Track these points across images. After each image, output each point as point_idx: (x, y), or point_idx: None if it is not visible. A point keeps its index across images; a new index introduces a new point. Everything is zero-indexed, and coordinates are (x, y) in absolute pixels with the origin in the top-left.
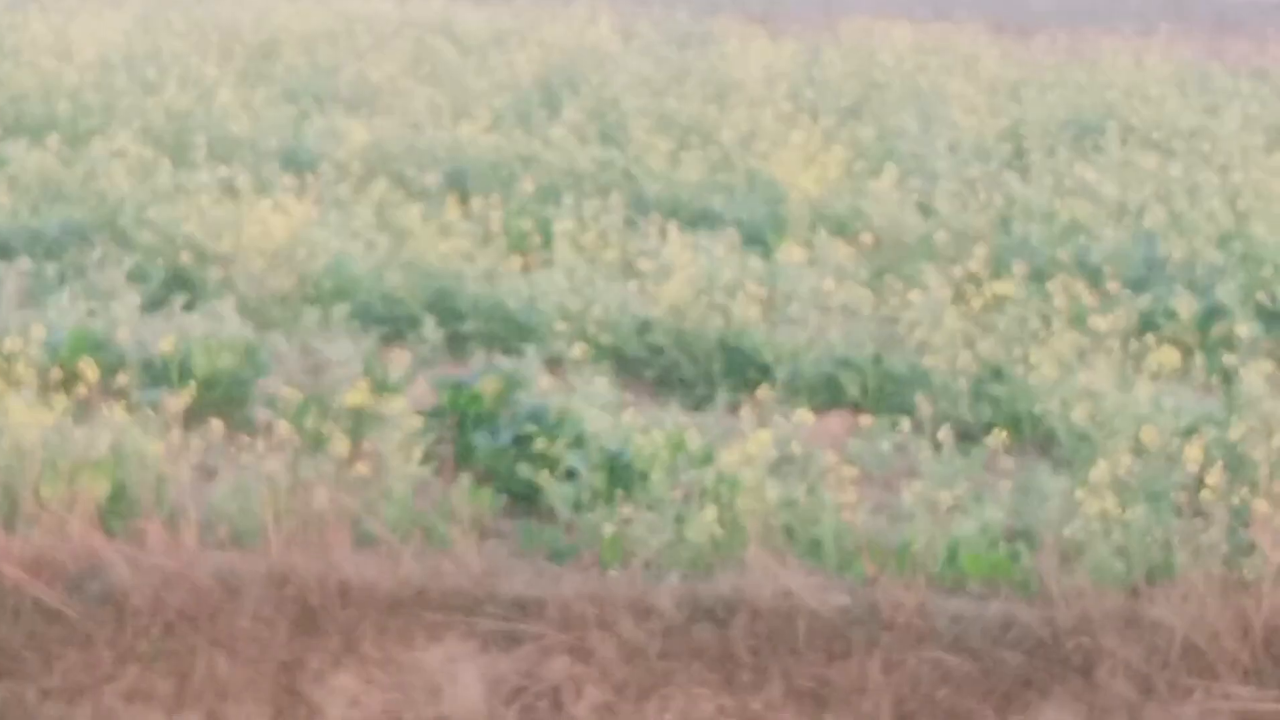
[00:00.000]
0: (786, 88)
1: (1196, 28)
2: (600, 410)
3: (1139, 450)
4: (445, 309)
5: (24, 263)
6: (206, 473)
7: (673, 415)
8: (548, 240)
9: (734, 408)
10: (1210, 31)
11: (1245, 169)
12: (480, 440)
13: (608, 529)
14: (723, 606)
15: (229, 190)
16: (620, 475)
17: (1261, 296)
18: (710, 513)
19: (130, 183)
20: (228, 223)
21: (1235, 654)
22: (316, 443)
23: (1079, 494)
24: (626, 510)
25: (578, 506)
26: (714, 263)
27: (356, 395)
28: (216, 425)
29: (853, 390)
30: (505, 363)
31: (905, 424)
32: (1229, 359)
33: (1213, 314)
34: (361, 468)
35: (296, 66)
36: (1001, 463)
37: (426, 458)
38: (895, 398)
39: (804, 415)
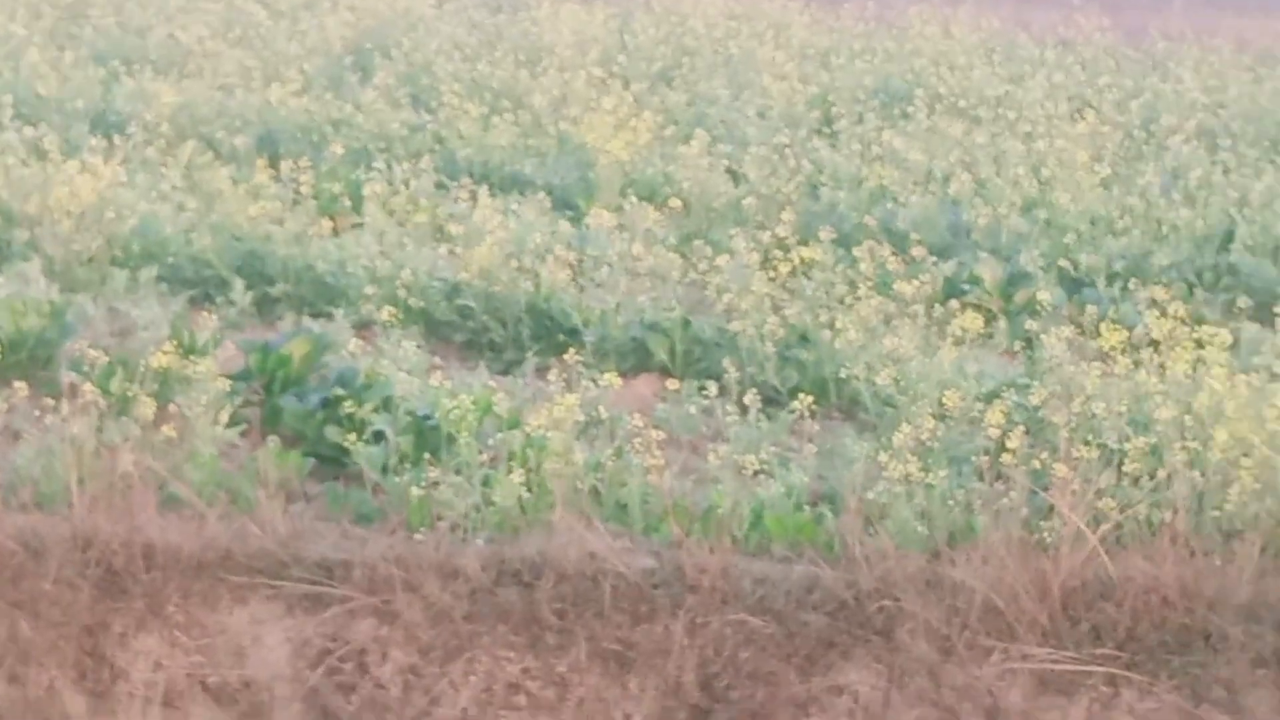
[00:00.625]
0: (598, 53)
1: None
2: (408, 374)
3: (942, 415)
4: (254, 272)
5: None
6: (10, 435)
7: (481, 379)
8: (358, 204)
9: (542, 371)
10: (1016, 1)
11: (1049, 137)
12: (288, 403)
13: (415, 492)
14: (529, 569)
15: (36, 151)
16: (428, 438)
17: (1064, 263)
18: (517, 476)
19: None
20: (35, 184)
21: (1034, 615)
22: (122, 405)
23: (882, 458)
24: (434, 473)
25: (385, 470)
26: (524, 227)
27: (163, 358)
28: (21, 387)
29: (660, 354)
30: (314, 326)
31: (712, 388)
32: (1031, 325)
33: (1016, 280)
34: (168, 430)
35: (106, 28)
36: (807, 427)
37: (233, 421)
38: (702, 362)
39: (612, 379)
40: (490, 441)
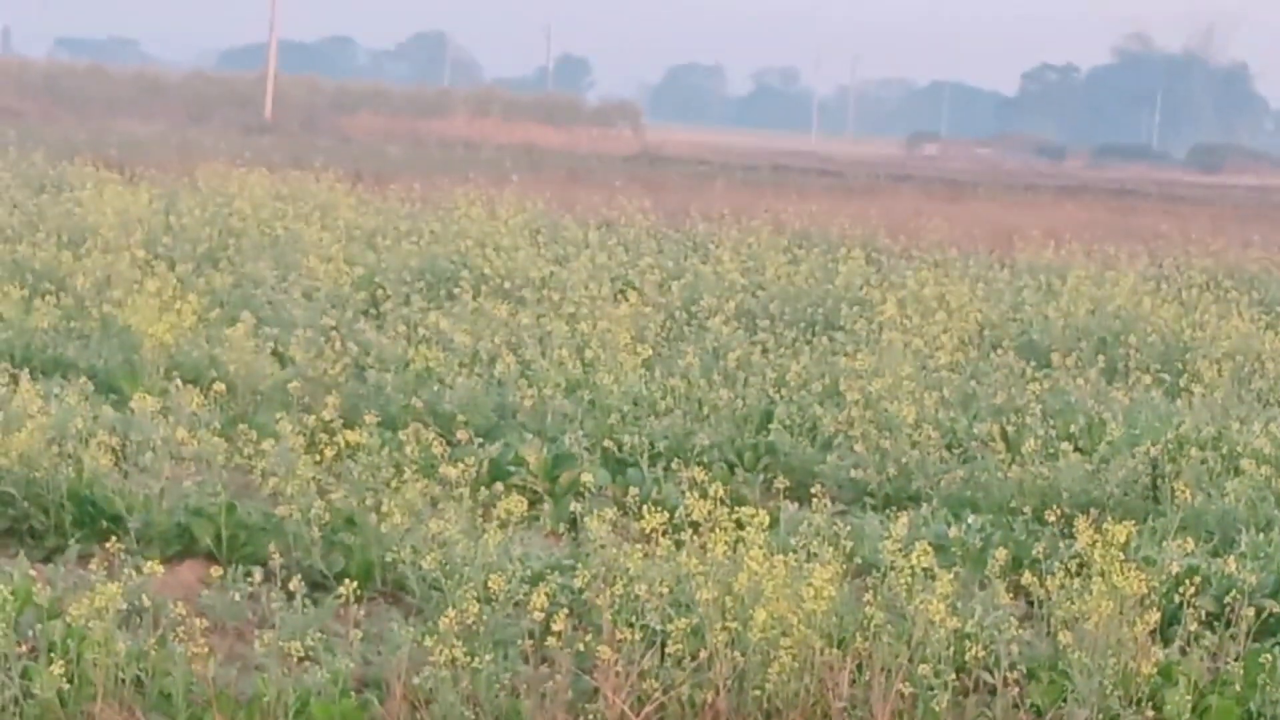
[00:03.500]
0: (142, 234)
1: (548, 178)
2: None
3: (487, 598)
4: None
5: None
6: None
7: (21, 568)
8: None
9: (85, 559)
10: (562, 182)
11: (593, 319)
12: None
13: None
14: None
15: None
16: None
17: (608, 443)
18: (58, 667)
19: None
20: None
21: None
22: None
23: (428, 642)
24: None
25: None
26: (65, 412)
27: None
28: None
29: (206, 540)
30: None
31: (258, 573)
32: (576, 506)
33: (561, 461)
34: None
35: None
36: (353, 612)
37: None
38: (248, 547)
39: (154, 566)
40: (30, 632)
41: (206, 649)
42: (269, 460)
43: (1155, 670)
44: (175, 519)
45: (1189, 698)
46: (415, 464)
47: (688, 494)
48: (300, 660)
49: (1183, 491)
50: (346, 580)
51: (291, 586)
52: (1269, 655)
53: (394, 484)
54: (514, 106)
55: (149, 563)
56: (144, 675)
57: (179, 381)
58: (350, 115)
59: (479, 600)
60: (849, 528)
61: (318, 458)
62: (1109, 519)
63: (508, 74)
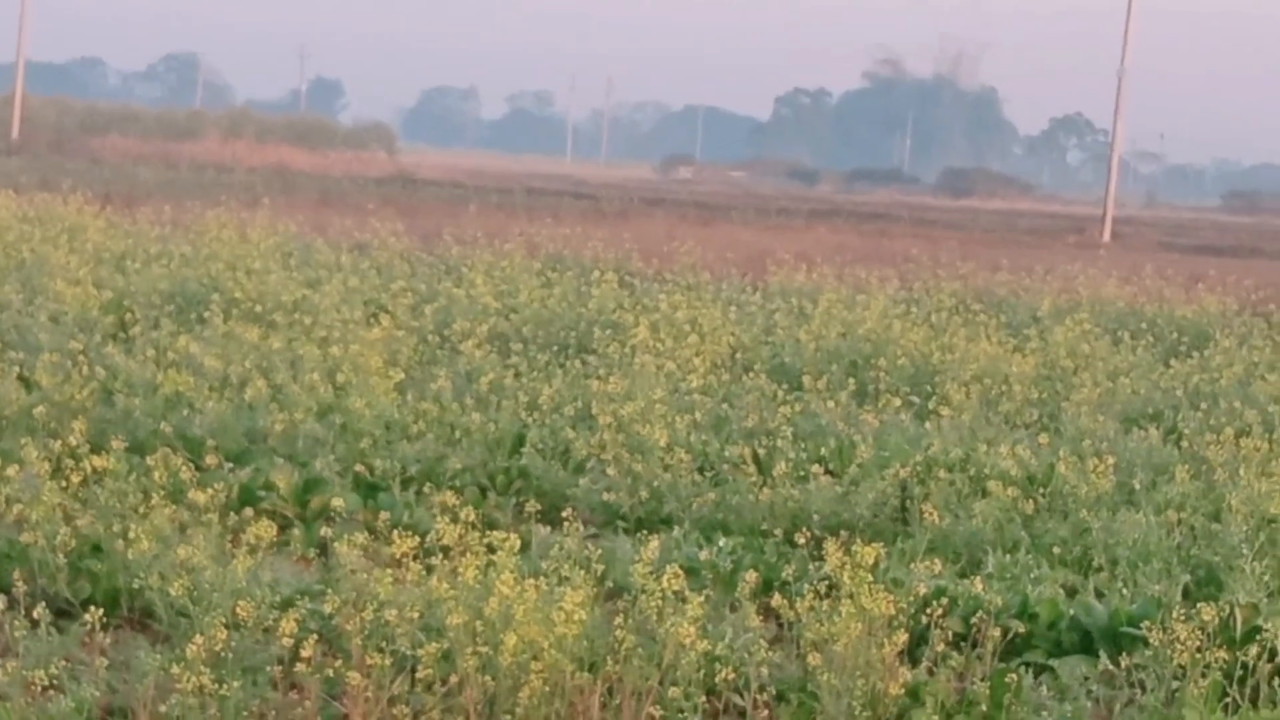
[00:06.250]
0: None
1: (300, 201)
2: None
3: (236, 624)
4: None
5: None
6: None
7: None
8: None
9: None
10: (314, 205)
11: (345, 342)
12: None
13: None
14: None
15: None
16: None
17: (359, 468)
18: None
19: None
20: None
21: None
22: None
23: (175, 669)
24: None
25: None
26: None
27: None
28: None
29: None
30: None
31: (1, 601)
32: (326, 531)
33: (312, 486)
34: None
35: None
36: (99, 639)
37: None
38: None
39: None
40: None
41: None
42: (13, 486)
43: (903, 691)
44: None
45: (936, 718)
46: (163, 489)
47: (439, 518)
48: (44, 689)
49: (931, 513)
50: (92, 607)
51: (36, 614)
52: (1014, 675)
53: (141, 510)
54: (266, 129)
55: None
56: None
57: None
58: (100, 137)
59: (227, 626)
60: (600, 551)
61: (64, 484)
62: (858, 541)
63: (260, 96)
